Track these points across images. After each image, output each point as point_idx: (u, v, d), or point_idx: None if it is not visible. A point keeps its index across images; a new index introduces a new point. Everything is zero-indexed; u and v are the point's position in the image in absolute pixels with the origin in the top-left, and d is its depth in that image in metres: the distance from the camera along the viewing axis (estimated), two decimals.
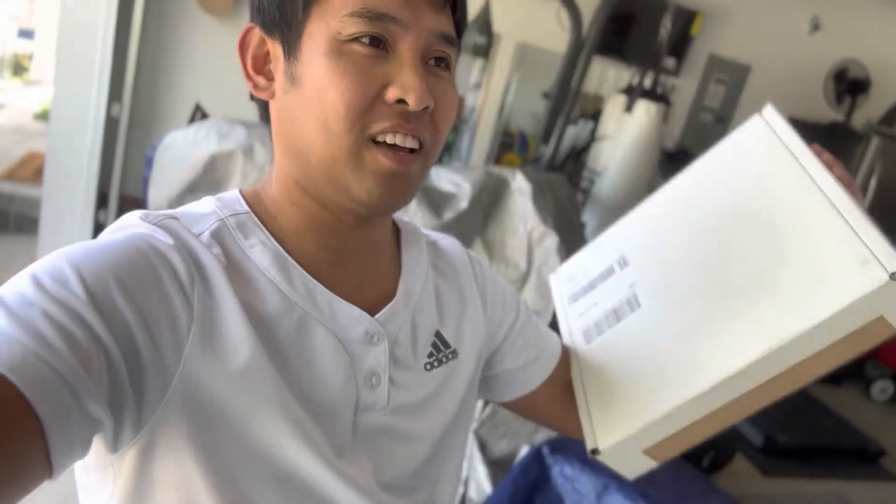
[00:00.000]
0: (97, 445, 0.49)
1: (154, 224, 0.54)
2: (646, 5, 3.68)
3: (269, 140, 2.10)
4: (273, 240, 0.58)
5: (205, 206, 0.60)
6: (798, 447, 3.20)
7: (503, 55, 3.88)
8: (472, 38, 3.29)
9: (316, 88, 0.53)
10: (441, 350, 0.68)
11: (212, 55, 3.40)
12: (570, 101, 3.22)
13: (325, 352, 0.57)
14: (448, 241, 0.78)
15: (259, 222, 0.59)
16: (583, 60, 3.18)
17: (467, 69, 3.93)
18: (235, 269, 0.55)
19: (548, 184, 2.60)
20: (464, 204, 2.50)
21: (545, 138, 3.25)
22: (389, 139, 0.54)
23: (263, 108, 0.62)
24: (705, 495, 1.95)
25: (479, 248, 2.60)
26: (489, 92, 3.95)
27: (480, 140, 4.09)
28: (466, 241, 2.63)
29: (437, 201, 2.49)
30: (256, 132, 2.16)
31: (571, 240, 2.49)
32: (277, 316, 0.55)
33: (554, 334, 0.84)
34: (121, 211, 3.23)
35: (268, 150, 2.11)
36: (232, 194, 0.62)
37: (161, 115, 3.39)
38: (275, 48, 0.57)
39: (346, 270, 0.61)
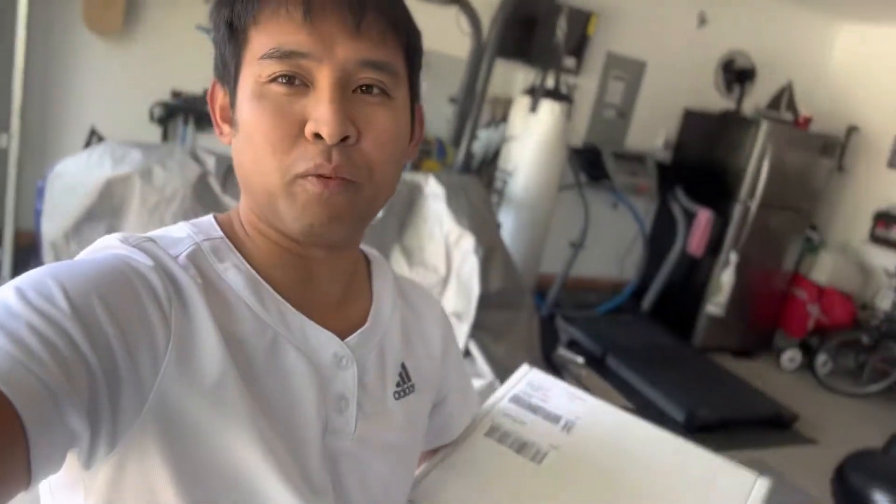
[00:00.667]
0: (69, 462, 0.49)
1: (133, 246, 0.55)
2: (541, 8, 3.79)
3: (168, 161, 2.01)
4: (246, 263, 0.60)
5: (179, 230, 0.60)
6: (718, 421, 3.36)
7: None
8: None
9: (246, 131, 0.55)
10: (405, 381, 0.69)
11: (104, 77, 3.26)
12: (476, 105, 3.27)
13: (295, 373, 0.58)
14: (424, 288, 0.81)
15: (233, 247, 0.60)
16: (486, 64, 3.24)
17: None
18: (211, 291, 0.56)
19: (460, 186, 2.63)
20: (378, 213, 2.49)
21: (456, 142, 3.29)
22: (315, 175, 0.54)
23: None
24: None
25: (397, 256, 2.60)
26: None
27: None
28: (384, 250, 2.62)
29: None
30: (154, 154, 2.08)
31: (488, 239, 2.52)
32: (251, 337, 0.56)
33: (474, 402, 0.87)
34: (17, 248, 3.04)
35: (167, 172, 2.04)
36: (206, 219, 0.63)
37: (55, 142, 3.22)
38: (226, 98, 0.59)
39: (315, 294, 0.62)
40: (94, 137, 3.01)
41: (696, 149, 4.69)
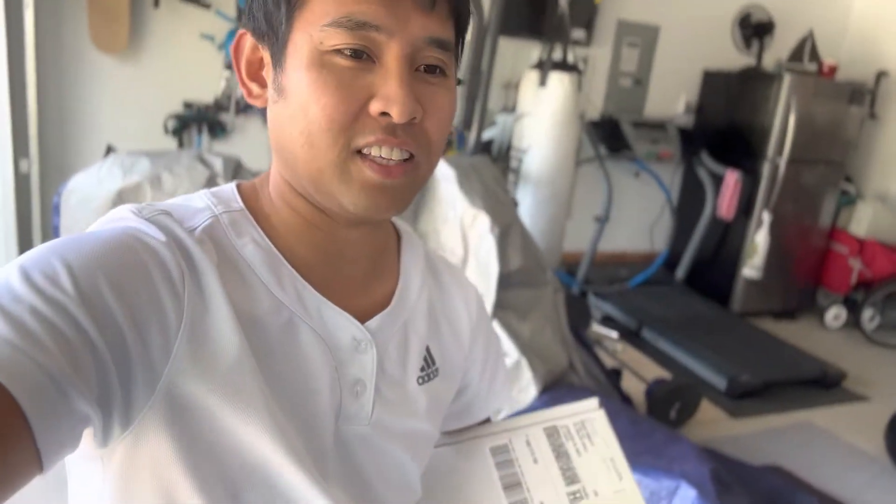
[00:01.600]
0: (88, 438, 0.48)
1: (146, 219, 0.52)
2: None
3: (175, 167, 2.01)
4: (266, 239, 0.57)
5: (199, 200, 0.58)
6: (761, 385, 3.26)
7: None
8: None
9: (299, 101, 0.52)
10: (430, 366, 0.67)
11: (117, 94, 3.32)
12: (484, 85, 3.23)
13: (311, 356, 0.56)
14: (461, 271, 0.77)
15: (253, 220, 0.58)
16: (489, 43, 3.19)
17: None
18: (227, 268, 0.54)
19: (471, 166, 2.60)
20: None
21: (466, 124, 3.25)
22: (375, 151, 0.52)
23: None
24: (666, 444, 1.96)
25: None
26: None
27: None
28: None
29: None
30: (161, 161, 2.10)
31: (503, 218, 2.49)
32: (266, 317, 0.54)
33: (501, 393, 0.83)
34: None
35: (175, 178, 2.06)
36: (228, 189, 0.60)
37: (74, 162, 3.28)
38: (265, 55, 0.56)
39: (339, 274, 0.60)
40: (111, 154, 3.06)
41: (719, 110, 4.55)
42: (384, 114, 0.51)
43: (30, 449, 0.40)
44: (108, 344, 0.45)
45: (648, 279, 4.34)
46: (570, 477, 0.75)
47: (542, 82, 3.29)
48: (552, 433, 0.78)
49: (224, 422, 0.52)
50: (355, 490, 0.60)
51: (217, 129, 3.53)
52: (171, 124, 3.43)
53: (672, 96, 4.66)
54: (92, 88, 3.26)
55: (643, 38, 4.49)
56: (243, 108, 3.56)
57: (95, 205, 2.05)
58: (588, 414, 0.81)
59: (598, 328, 3.69)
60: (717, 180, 4.28)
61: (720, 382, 3.27)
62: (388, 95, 0.51)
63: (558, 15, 3.37)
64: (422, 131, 0.54)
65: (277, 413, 0.53)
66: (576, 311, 3.08)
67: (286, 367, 0.55)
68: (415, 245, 0.70)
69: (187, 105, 3.48)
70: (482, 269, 2.43)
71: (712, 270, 4.50)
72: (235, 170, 2.19)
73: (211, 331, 0.51)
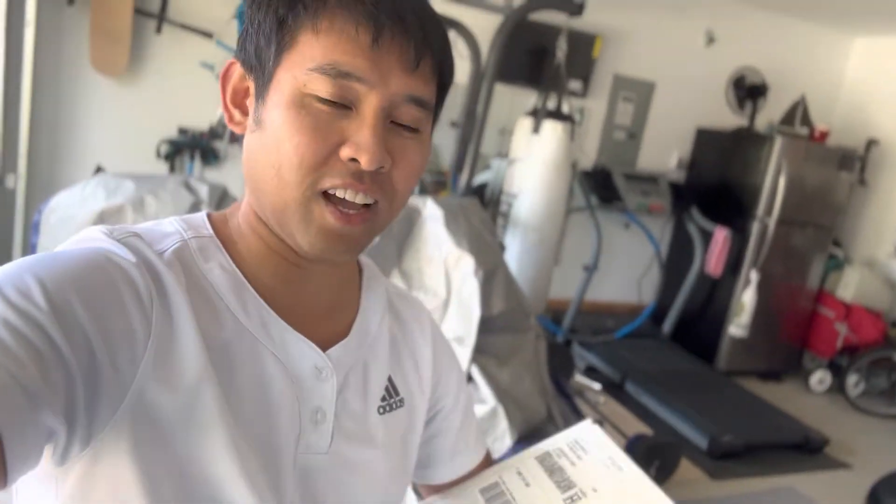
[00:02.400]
0: (46, 455, 0.49)
1: (117, 240, 0.53)
2: (539, 31, 3.79)
3: (160, 191, 1.98)
4: (233, 264, 0.58)
5: (169, 225, 0.59)
6: (743, 447, 3.21)
7: None
8: None
9: (275, 136, 0.54)
10: (392, 395, 0.67)
11: (111, 116, 3.32)
12: (477, 129, 3.25)
13: (273, 382, 0.57)
14: (415, 299, 0.78)
15: (221, 246, 0.59)
16: (485, 89, 3.23)
17: None
18: (194, 291, 0.55)
19: (459, 208, 2.59)
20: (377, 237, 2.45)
21: (459, 166, 3.26)
22: (340, 193, 0.54)
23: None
24: None
25: (396, 280, 2.55)
26: None
27: None
28: (383, 274, 2.57)
29: None
30: (146, 185, 2.08)
31: (488, 261, 2.47)
32: (230, 340, 0.55)
33: (482, 443, 0.82)
34: None
35: (159, 202, 2.04)
36: (198, 216, 0.62)
37: (63, 181, 3.26)
38: (251, 86, 0.58)
39: (303, 302, 0.61)
40: (96, 175, 3.04)
41: (711, 167, 4.60)
42: (353, 159, 0.53)
43: None
44: (77, 358, 0.45)
45: (634, 331, 4.32)
46: (564, 486, 0.72)
47: (536, 129, 3.32)
48: (544, 458, 0.76)
49: (183, 441, 0.51)
50: None
51: (210, 157, 3.53)
52: (164, 149, 3.43)
53: (665, 151, 4.71)
54: (87, 109, 3.27)
55: (638, 93, 4.56)
56: (238, 137, 3.57)
57: (76, 224, 2.02)
58: (582, 432, 0.78)
59: (580, 379, 3.65)
60: (707, 236, 4.30)
61: (702, 441, 3.21)
62: (360, 143, 0.52)
63: (555, 65, 3.42)
64: (388, 180, 0.56)
65: (238, 437, 0.53)
66: (559, 360, 3.04)
67: (248, 392, 0.55)
68: (376, 277, 0.71)
69: (182, 131, 3.48)
70: (464, 311, 2.40)
71: (699, 326, 4.48)
72: (221, 198, 2.17)
73: (176, 350, 0.52)
